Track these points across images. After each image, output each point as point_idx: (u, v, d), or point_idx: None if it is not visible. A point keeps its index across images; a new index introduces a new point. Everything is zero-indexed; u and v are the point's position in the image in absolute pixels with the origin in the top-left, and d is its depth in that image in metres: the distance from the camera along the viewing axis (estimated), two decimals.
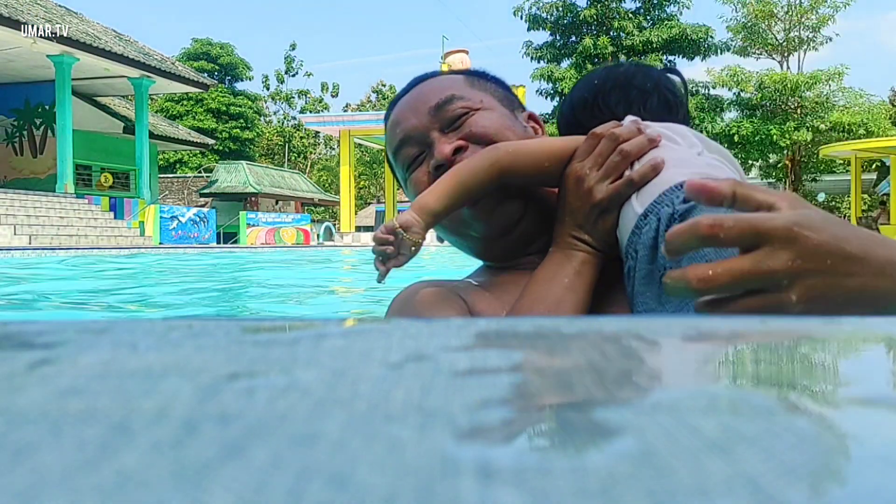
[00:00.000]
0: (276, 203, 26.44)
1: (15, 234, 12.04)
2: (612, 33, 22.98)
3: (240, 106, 33.25)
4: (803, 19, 22.53)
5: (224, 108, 32.73)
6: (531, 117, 1.12)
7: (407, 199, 1.19)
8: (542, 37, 24.97)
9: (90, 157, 16.70)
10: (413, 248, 0.85)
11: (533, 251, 0.98)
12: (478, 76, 1.10)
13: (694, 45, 22.85)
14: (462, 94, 1.02)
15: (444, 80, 1.08)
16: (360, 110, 38.61)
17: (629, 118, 0.90)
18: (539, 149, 0.91)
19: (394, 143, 1.06)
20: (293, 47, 39.07)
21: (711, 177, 0.72)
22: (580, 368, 0.45)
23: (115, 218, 15.03)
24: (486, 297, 0.96)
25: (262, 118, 37.30)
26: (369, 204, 37.35)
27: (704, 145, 0.89)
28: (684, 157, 0.83)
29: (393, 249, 0.84)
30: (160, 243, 14.96)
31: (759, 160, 23.37)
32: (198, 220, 16.84)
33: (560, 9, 23.32)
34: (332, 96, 39.83)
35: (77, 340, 0.48)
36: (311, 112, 36.57)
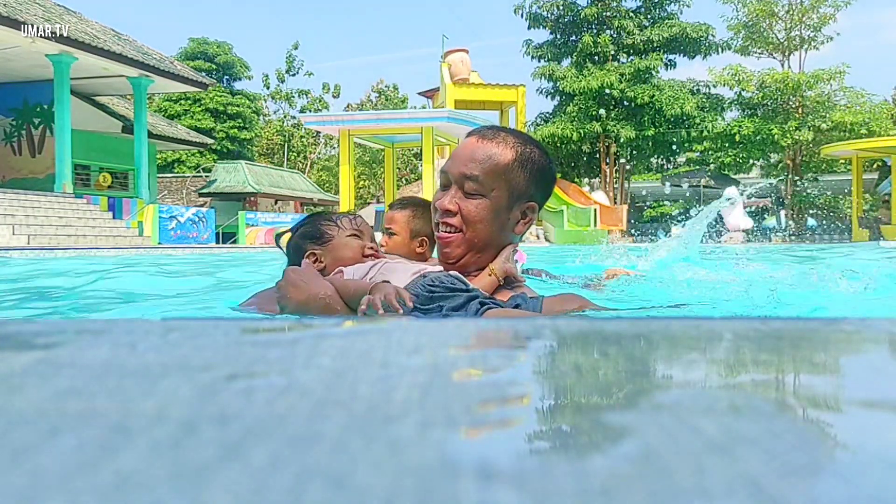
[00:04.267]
0: (276, 203, 26.41)
1: (13, 233, 12.03)
2: (612, 32, 22.94)
3: (238, 105, 33.15)
4: (804, 18, 22.49)
5: (222, 108, 32.63)
6: (529, 208, 1.55)
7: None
8: (542, 35, 24.93)
9: (89, 157, 16.66)
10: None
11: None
12: (526, 163, 1.50)
13: (694, 43, 22.80)
14: (485, 179, 1.47)
15: (493, 150, 1.49)
16: (361, 109, 38.56)
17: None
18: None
19: (446, 162, 1.56)
20: (296, 46, 38.88)
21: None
22: (579, 368, 0.45)
23: (114, 218, 15.00)
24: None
25: (260, 118, 37.21)
26: (369, 204, 37.29)
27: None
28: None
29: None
30: (159, 243, 14.94)
31: (760, 159, 23.34)
32: (197, 219, 16.81)
33: (561, 7, 23.28)
34: (334, 97, 39.73)
35: (76, 340, 0.48)
36: (311, 111, 36.53)
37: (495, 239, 1.53)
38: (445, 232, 1.53)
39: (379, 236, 2.12)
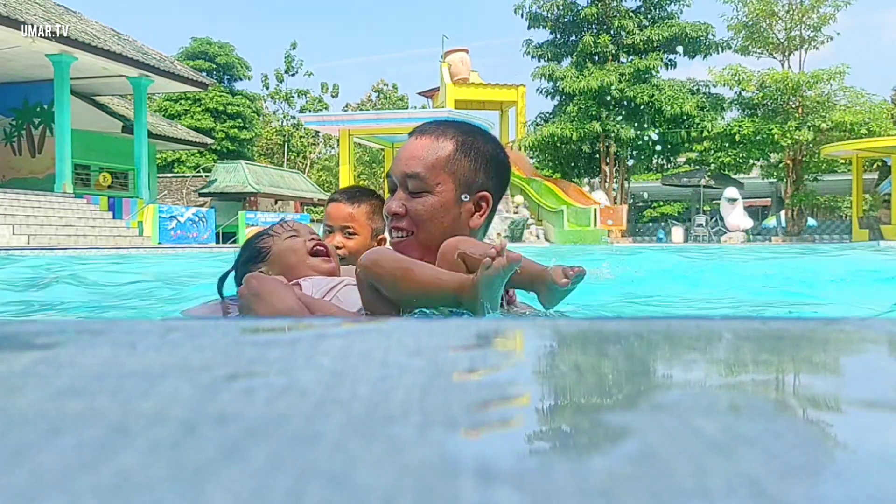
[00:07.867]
0: (276, 203, 26.40)
1: (13, 233, 12.03)
2: (612, 32, 22.94)
3: (238, 105, 33.15)
4: (804, 18, 22.48)
5: (222, 108, 32.62)
6: (482, 198, 1.48)
7: None
8: (542, 35, 24.92)
9: (89, 157, 16.67)
10: None
11: None
12: (469, 151, 1.45)
13: (694, 43, 22.79)
14: (427, 174, 1.43)
15: (432, 144, 1.45)
16: (361, 109, 38.55)
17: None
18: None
19: (391, 165, 1.51)
20: (294, 46, 38.91)
21: None
22: (580, 368, 0.45)
23: (114, 218, 15.01)
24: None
25: (260, 118, 37.21)
26: None
27: None
28: None
29: None
30: (159, 243, 14.94)
31: (761, 159, 23.33)
32: (197, 219, 16.82)
33: (561, 7, 23.28)
34: (333, 97, 39.73)
35: (76, 340, 0.48)
36: (310, 111, 36.51)
37: (450, 236, 1.43)
38: (397, 237, 1.47)
39: (320, 228, 1.90)
